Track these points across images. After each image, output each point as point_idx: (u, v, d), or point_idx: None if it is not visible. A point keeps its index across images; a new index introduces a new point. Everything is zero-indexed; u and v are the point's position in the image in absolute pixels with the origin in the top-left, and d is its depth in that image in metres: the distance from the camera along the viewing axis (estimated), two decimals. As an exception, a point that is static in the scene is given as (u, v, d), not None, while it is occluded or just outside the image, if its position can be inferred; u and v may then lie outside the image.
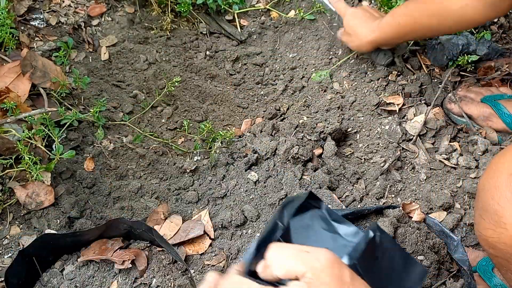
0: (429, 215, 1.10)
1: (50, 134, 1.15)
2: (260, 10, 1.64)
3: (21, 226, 1.10)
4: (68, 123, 1.22)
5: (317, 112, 1.34)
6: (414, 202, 1.14)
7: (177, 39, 1.54)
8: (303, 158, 1.20)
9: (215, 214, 1.15)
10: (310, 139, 1.24)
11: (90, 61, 1.43)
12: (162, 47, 1.51)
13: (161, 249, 1.04)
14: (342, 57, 1.45)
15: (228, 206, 1.16)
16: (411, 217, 1.10)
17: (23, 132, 1.11)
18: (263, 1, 1.65)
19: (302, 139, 1.24)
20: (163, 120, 1.36)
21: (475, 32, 1.40)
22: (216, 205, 1.18)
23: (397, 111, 1.31)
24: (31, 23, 1.42)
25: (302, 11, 1.57)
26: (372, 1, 1.53)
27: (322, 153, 1.23)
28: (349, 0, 1.58)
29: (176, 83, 1.34)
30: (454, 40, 1.34)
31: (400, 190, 1.18)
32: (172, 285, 0.98)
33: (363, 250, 0.74)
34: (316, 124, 1.29)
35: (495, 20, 1.47)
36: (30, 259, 0.98)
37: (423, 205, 1.13)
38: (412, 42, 1.41)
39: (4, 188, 1.11)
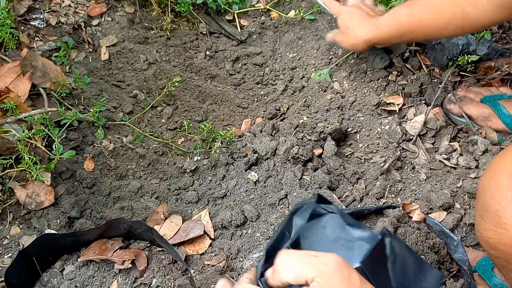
0: (429, 215, 1.10)
1: (50, 134, 1.15)
2: (260, 10, 1.64)
3: (21, 226, 1.10)
4: (68, 123, 1.22)
5: (317, 112, 1.34)
6: (414, 202, 1.14)
7: (177, 39, 1.55)
8: (303, 158, 1.20)
9: (215, 214, 1.15)
10: (310, 139, 1.24)
11: (90, 61, 1.43)
12: (162, 47, 1.51)
13: (161, 249, 1.04)
14: (342, 57, 1.45)
15: (228, 206, 1.16)
16: (411, 217, 1.10)
17: (23, 132, 1.11)
18: (263, 1, 1.65)
19: (302, 139, 1.24)
20: (163, 120, 1.36)
21: (475, 32, 1.40)
22: (216, 205, 1.18)
23: (397, 111, 1.31)
24: (31, 23, 1.42)
25: (302, 11, 1.57)
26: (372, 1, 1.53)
27: (322, 153, 1.24)
28: (349, 0, 1.58)
29: (176, 83, 1.34)
30: (454, 40, 1.34)
31: (400, 190, 1.18)
32: (172, 285, 0.98)
33: (369, 252, 0.74)
34: (316, 124, 1.29)
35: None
36: (30, 259, 0.98)
37: (423, 205, 1.13)
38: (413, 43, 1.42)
39: (4, 188, 1.11)
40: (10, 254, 1.06)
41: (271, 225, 1.11)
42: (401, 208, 1.08)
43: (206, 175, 1.24)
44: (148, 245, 1.04)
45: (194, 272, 1.05)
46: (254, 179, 1.19)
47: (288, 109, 1.39)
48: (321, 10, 1.54)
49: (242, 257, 1.08)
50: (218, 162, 1.24)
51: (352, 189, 1.17)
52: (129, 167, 1.25)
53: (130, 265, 0.98)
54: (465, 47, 1.34)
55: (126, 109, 1.34)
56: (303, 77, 1.47)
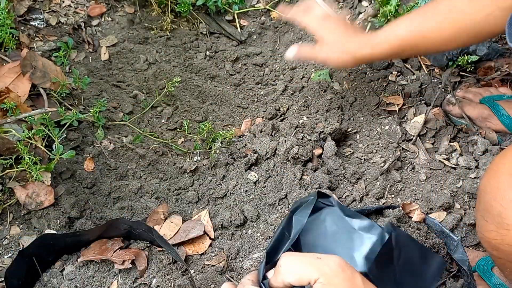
0: (429, 215, 1.11)
1: (50, 134, 1.15)
2: (260, 10, 1.64)
3: (21, 226, 1.10)
4: (68, 123, 1.22)
5: (317, 112, 1.34)
6: (414, 202, 1.14)
7: (177, 39, 1.55)
8: (303, 158, 1.20)
9: (215, 214, 1.16)
10: (310, 139, 1.24)
11: (90, 61, 1.43)
12: (162, 47, 1.51)
13: (161, 249, 1.04)
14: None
15: (228, 206, 1.16)
16: (411, 217, 1.10)
17: (23, 132, 1.11)
18: (263, 1, 1.65)
19: (302, 139, 1.24)
20: (163, 120, 1.36)
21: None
22: (216, 205, 1.18)
23: (397, 111, 1.31)
24: (31, 23, 1.42)
25: (302, 11, 1.57)
26: (372, 1, 1.53)
27: (322, 153, 1.24)
28: (349, 0, 1.58)
29: (176, 83, 1.34)
30: (454, 40, 1.34)
31: (400, 190, 1.18)
32: (172, 285, 0.98)
33: (376, 256, 0.75)
34: (316, 124, 1.29)
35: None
36: (30, 259, 0.98)
37: (423, 205, 1.13)
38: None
39: (4, 188, 1.11)
40: (10, 254, 1.06)
41: (271, 225, 1.11)
42: (401, 208, 1.08)
43: (206, 175, 1.24)
44: (148, 245, 1.04)
45: (194, 272, 1.05)
46: (254, 179, 1.19)
47: (288, 109, 1.39)
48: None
49: (242, 257, 1.08)
50: (218, 162, 1.24)
51: (352, 189, 1.17)
52: (129, 167, 1.25)
53: (130, 265, 0.98)
54: (465, 47, 1.34)
55: (126, 109, 1.34)
56: (303, 77, 1.47)
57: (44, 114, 1.16)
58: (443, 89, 1.31)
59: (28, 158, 1.07)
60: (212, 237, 1.11)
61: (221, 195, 1.19)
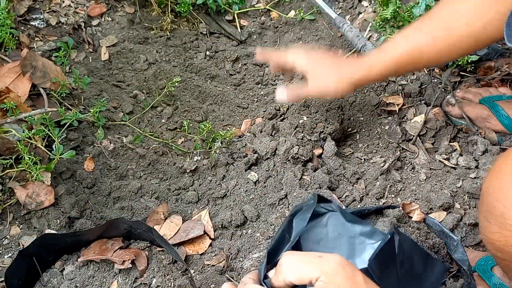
0: (429, 215, 1.11)
1: (50, 134, 1.15)
2: (260, 10, 1.64)
3: (21, 226, 1.10)
4: (68, 123, 1.22)
5: (317, 112, 1.34)
6: (414, 202, 1.14)
7: (177, 39, 1.55)
8: (303, 158, 1.20)
9: (215, 214, 1.16)
10: (310, 139, 1.24)
11: (90, 61, 1.43)
12: (162, 47, 1.51)
13: (161, 249, 1.04)
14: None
15: (228, 206, 1.16)
16: (411, 217, 1.10)
17: (23, 132, 1.11)
18: (263, 1, 1.65)
19: (302, 139, 1.24)
20: (163, 120, 1.36)
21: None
22: (216, 205, 1.18)
23: (397, 111, 1.31)
24: (31, 23, 1.42)
25: (302, 11, 1.57)
26: (372, 1, 1.53)
27: (322, 153, 1.24)
28: (349, 0, 1.58)
29: (176, 83, 1.34)
30: (454, 40, 1.34)
31: (400, 190, 1.18)
32: (172, 285, 0.98)
33: (376, 254, 0.75)
34: (316, 124, 1.29)
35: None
36: (30, 259, 0.98)
37: (423, 205, 1.13)
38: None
39: (4, 188, 1.11)
40: (10, 254, 1.06)
41: (271, 225, 1.11)
42: (401, 208, 1.08)
43: (206, 175, 1.24)
44: (148, 245, 1.04)
45: (194, 272, 1.05)
46: (254, 179, 1.19)
47: (288, 109, 1.39)
48: (321, 10, 1.54)
49: (242, 257, 1.08)
50: (218, 162, 1.24)
51: (352, 189, 1.17)
52: (129, 167, 1.25)
53: (130, 265, 0.98)
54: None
55: (126, 109, 1.34)
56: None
57: (44, 114, 1.16)
58: (443, 89, 1.31)
59: (28, 158, 1.07)
60: (212, 237, 1.11)
61: (221, 195, 1.19)
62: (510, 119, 1.22)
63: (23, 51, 1.31)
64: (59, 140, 1.15)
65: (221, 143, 1.28)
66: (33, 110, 1.18)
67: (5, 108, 1.14)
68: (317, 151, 1.24)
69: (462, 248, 0.99)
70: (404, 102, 1.33)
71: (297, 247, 0.80)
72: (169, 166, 1.26)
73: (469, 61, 1.32)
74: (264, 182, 1.18)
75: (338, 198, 1.15)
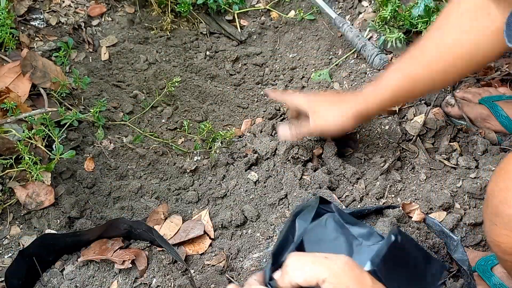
0: (429, 215, 1.10)
1: (50, 134, 1.15)
2: (260, 10, 1.64)
3: (21, 226, 1.10)
4: (68, 123, 1.22)
5: (317, 112, 1.34)
6: (414, 202, 1.14)
7: (177, 39, 1.55)
8: (303, 158, 1.20)
9: (215, 214, 1.16)
10: (310, 139, 1.24)
11: (90, 61, 1.43)
12: (162, 47, 1.51)
13: (161, 249, 1.04)
14: (342, 57, 1.45)
15: (228, 206, 1.16)
16: (411, 217, 1.10)
17: (23, 132, 1.11)
18: (263, 1, 1.65)
19: (302, 139, 1.24)
20: (163, 120, 1.36)
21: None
22: (216, 205, 1.18)
23: (397, 111, 1.31)
24: (31, 23, 1.42)
25: (302, 11, 1.57)
26: (372, 1, 1.53)
27: (322, 153, 1.24)
28: (349, 0, 1.58)
29: (176, 83, 1.34)
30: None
31: (400, 190, 1.18)
32: (172, 285, 0.98)
33: (384, 255, 0.74)
34: (316, 124, 1.29)
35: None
36: (30, 259, 0.98)
37: (423, 205, 1.13)
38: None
39: (4, 188, 1.11)
40: (10, 254, 1.06)
41: (271, 225, 1.11)
42: (401, 208, 1.08)
43: (206, 175, 1.24)
44: (148, 245, 1.04)
45: (194, 272, 1.05)
46: (254, 179, 1.19)
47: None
48: (321, 10, 1.54)
49: (242, 257, 1.08)
50: (218, 162, 1.24)
51: (352, 189, 1.17)
52: (129, 167, 1.25)
53: (130, 265, 0.98)
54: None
55: (126, 109, 1.34)
56: (303, 77, 1.47)
57: (44, 114, 1.16)
58: (442, 89, 1.31)
59: (28, 158, 1.07)
60: (212, 237, 1.11)
61: (221, 195, 1.19)
62: (509, 119, 1.22)
63: (23, 51, 1.31)
64: (59, 140, 1.15)
65: (221, 143, 1.28)
66: (33, 110, 1.18)
67: (5, 108, 1.14)
68: (317, 151, 1.24)
69: (462, 248, 0.99)
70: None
71: (301, 247, 0.80)
72: (169, 166, 1.26)
73: (469, 61, 1.32)
74: (264, 182, 1.18)
75: (338, 198, 1.15)
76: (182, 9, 1.52)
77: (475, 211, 1.12)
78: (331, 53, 1.49)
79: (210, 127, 1.28)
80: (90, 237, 1.03)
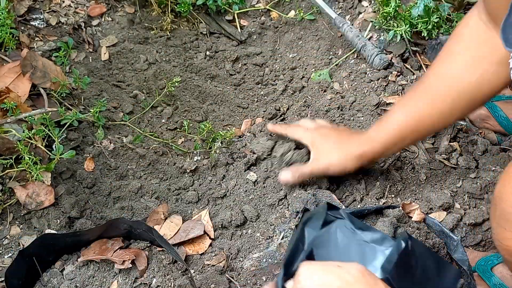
0: (429, 215, 1.10)
1: (50, 134, 1.15)
2: (260, 10, 1.64)
3: (21, 226, 1.10)
4: (68, 123, 1.22)
5: (317, 112, 1.34)
6: (414, 202, 1.14)
7: (177, 39, 1.55)
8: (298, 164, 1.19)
9: (215, 214, 1.16)
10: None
11: (90, 61, 1.43)
12: (162, 47, 1.51)
13: (161, 249, 1.04)
14: (342, 57, 1.45)
15: (228, 206, 1.16)
16: (411, 217, 1.09)
17: (23, 132, 1.11)
18: (263, 1, 1.65)
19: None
20: (163, 120, 1.36)
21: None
22: (216, 205, 1.18)
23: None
24: (31, 23, 1.42)
25: (302, 11, 1.57)
26: (372, 1, 1.53)
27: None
28: (349, 0, 1.58)
29: (176, 83, 1.34)
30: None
31: (400, 190, 1.18)
32: (172, 285, 0.98)
33: (395, 262, 0.74)
34: (316, 124, 1.28)
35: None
36: (30, 259, 0.98)
37: (423, 205, 1.13)
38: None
39: (4, 188, 1.11)
40: (10, 254, 1.06)
41: (271, 225, 1.11)
42: (401, 208, 1.08)
43: (206, 175, 1.24)
44: (148, 245, 1.04)
45: (194, 272, 1.05)
46: (253, 179, 1.19)
47: (288, 109, 1.39)
48: (321, 10, 1.54)
49: (242, 257, 1.08)
50: (218, 162, 1.24)
51: (352, 189, 1.17)
52: (129, 167, 1.25)
53: (130, 265, 0.98)
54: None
55: (126, 109, 1.34)
56: (303, 77, 1.47)
57: (44, 114, 1.16)
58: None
59: (28, 158, 1.07)
60: (212, 237, 1.11)
61: (221, 195, 1.19)
62: (508, 120, 1.22)
63: (23, 51, 1.31)
64: (59, 140, 1.15)
65: (221, 143, 1.28)
66: (33, 110, 1.18)
67: (5, 108, 1.14)
68: (317, 151, 1.23)
69: (462, 248, 0.99)
70: (404, 102, 1.33)
71: (311, 255, 0.80)
72: (169, 166, 1.26)
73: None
74: (264, 183, 1.18)
75: (338, 198, 1.15)
76: (182, 9, 1.52)
77: (475, 211, 1.12)
78: (331, 53, 1.49)
79: (210, 127, 1.28)
80: (90, 237, 1.03)
